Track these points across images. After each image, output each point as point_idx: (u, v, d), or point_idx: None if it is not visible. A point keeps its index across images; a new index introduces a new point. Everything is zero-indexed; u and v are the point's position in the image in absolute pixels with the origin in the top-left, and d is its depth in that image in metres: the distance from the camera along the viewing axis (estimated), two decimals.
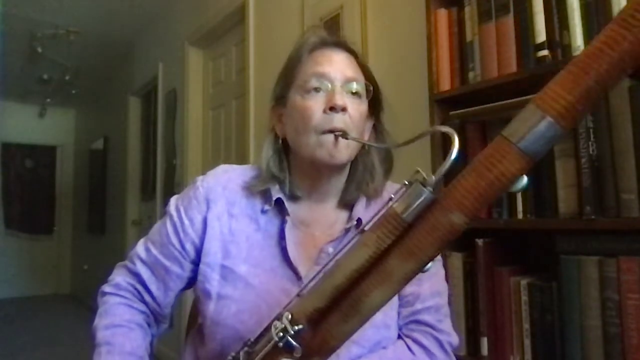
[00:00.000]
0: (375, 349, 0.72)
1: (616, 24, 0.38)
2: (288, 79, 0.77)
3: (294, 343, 0.52)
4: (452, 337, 0.77)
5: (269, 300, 0.71)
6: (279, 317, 0.54)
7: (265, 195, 0.77)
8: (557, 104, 0.40)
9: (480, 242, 1.05)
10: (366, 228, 0.51)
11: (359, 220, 0.76)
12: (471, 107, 1.09)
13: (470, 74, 1.12)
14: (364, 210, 0.78)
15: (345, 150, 0.71)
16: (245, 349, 0.58)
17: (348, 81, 0.73)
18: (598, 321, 0.86)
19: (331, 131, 0.70)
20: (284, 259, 0.74)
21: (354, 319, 0.50)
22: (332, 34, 0.80)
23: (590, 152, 0.89)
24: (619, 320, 0.83)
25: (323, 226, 0.79)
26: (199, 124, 3.05)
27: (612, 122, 0.87)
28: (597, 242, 0.89)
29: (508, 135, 0.42)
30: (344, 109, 0.70)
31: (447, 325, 0.78)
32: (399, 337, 0.76)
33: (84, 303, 5.15)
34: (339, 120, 0.70)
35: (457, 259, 1.11)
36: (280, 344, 0.52)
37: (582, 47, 0.93)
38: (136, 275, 0.79)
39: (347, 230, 0.76)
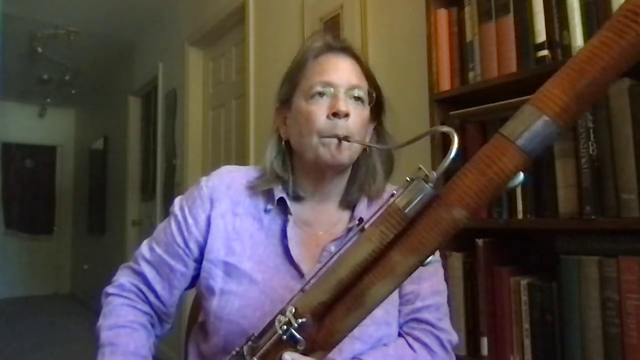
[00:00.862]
0: (376, 345, 0.73)
1: (608, 30, 0.40)
2: (293, 83, 0.78)
3: (298, 336, 0.53)
4: (452, 336, 0.79)
5: (273, 296, 0.72)
6: (283, 312, 0.55)
7: (269, 195, 0.79)
8: (553, 104, 0.42)
9: (480, 242, 1.05)
10: (368, 224, 0.53)
11: (361, 220, 0.77)
12: (471, 107, 1.09)
13: (470, 74, 1.13)
14: (366, 211, 0.80)
15: (347, 152, 0.73)
16: (249, 343, 0.59)
17: (352, 88, 0.75)
18: (598, 321, 0.86)
19: (334, 137, 0.72)
20: (287, 257, 0.75)
21: (357, 312, 0.51)
22: (337, 38, 0.81)
23: (590, 152, 0.89)
24: (619, 320, 0.83)
25: (325, 226, 0.80)
26: (199, 124, 3.05)
27: (612, 122, 0.87)
28: (597, 242, 0.89)
29: (507, 134, 0.44)
30: (346, 115, 0.72)
31: (446, 323, 0.79)
32: (400, 335, 0.77)
33: (84, 303, 5.15)
34: (341, 126, 0.72)
35: (457, 259, 1.11)
36: (284, 337, 0.53)
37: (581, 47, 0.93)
38: (140, 275, 0.80)
39: (349, 230, 0.78)
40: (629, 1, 0.40)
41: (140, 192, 4.03)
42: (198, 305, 0.98)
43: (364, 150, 0.79)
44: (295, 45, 2.06)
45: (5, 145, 5.89)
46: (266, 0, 2.31)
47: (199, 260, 0.78)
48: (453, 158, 0.48)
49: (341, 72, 0.75)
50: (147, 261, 0.80)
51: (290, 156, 0.80)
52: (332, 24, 1.80)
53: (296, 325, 0.53)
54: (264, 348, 0.56)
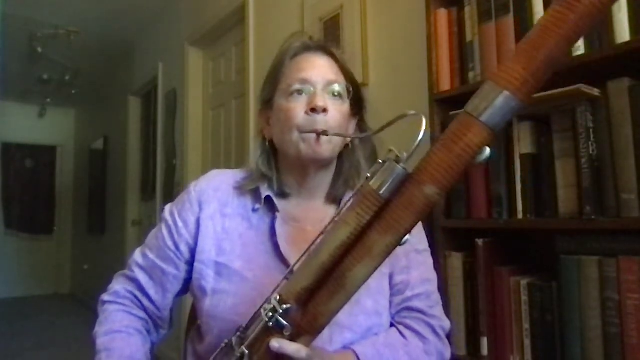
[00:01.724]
0: (367, 335, 0.74)
1: (559, 4, 0.43)
2: (273, 84, 0.81)
3: (284, 322, 0.54)
4: (444, 322, 0.80)
5: (264, 292, 0.73)
6: (268, 301, 0.56)
7: (256, 194, 0.81)
8: (513, 79, 0.44)
9: (480, 242, 1.05)
10: (345, 208, 0.54)
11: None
12: None
13: (470, 74, 1.13)
14: None
15: (327, 146, 0.75)
16: (238, 334, 0.60)
17: (329, 84, 0.77)
18: (598, 321, 0.86)
19: (313, 132, 0.74)
20: (276, 253, 0.77)
21: (340, 295, 0.52)
22: (313, 39, 0.84)
23: (590, 152, 0.89)
24: (619, 320, 0.83)
25: (313, 221, 0.81)
26: (199, 124, 3.05)
27: (612, 122, 0.87)
28: (597, 242, 0.89)
29: (471, 111, 0.46)
30: (324, 110, 0.74)
31: (438, 311, 0.80)
32: (392, 325, 0.78)
33: (84, 303, 5.15)
34: (320, 122, 0.74)
35: (457, 259, 1.11)
36: (270, 324, 0.54)
37: (582, 47, 0.93)
38: (134, 282, 0.81)
39: (334, 217, 0.78)
40: None
41: (140, 192, 4.03)
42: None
43: (347, 146, 0.82)
44: None
45: (5, 145, 5.89)
46: (266, 0, 2.31)
47: (190, 263, 0.80)
48: (422, 140, 0.51)
49: (318, 69, 0.77)
50: (141, 267, 0.81)
51: (275, 155, 0.83)
52: (332, 24, 1.80)
53: (281, 311, 0.54)
54: (252, 337, 0.57)
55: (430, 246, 0.87)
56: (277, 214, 0.79)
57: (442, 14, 1.20)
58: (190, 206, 0.81)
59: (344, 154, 0.82)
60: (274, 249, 0.77)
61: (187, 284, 0.82)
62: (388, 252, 0.51)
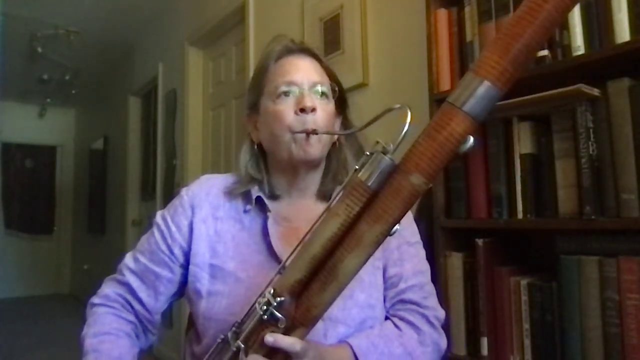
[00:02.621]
0: (360, 328, 0.75)
1: None
2: (258, 88, 0.82)
3: (278, 314, 0.55)
4: (439, 312, 0.81)
5: (258, 292, 0.74)
6: (262, 295, 0.57)
7: (246, 196, 0.82)
8: (492, 69, 0.46)
9: (480, 242, 1.05)
10: (335, 201, 0.55)
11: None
12: None
13: None
14: None
15: (317, 145, 0.76)
16: (233, 329, 0.61)
17: (315, 85, 0.78)
18: (598, 321, 0.86)
19: (304, 132, 0.75)
20: (270, 253, 0.78)
21: (332, 286, 0.53)
22: (294, 41, 0.85)
23: (590, 152, 0.89)
24: (619, 320, 0.83)
25: (305, 220, 0.81)
26: (199, 124, 3.05)
27: (612, 122, 0.87)
28: (597, 242, 0.89)
29: (453, 101, 0.48)
30: (313, 110, 0.75)
31: (432, 301, 0.81)
32: (387, 318, 0.79)
33: (84, 303, 5.11)
34: (309, 121, 0.75)
35: (457, 259, 1.11)
36: (265, 317, 0.55)
37: (582, 47, 0.93)
38: (125, 285, 0.82)
39: (324, 211, 0.79)
40: None
41: (140, 192, 4.03)
42: None
43: (334, 144, 0.83)
44: None
45: (5, 145, 5.89)
46: (266, 0, 2.31)
47: (185, 266, 0.80)
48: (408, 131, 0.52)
49: (302, 71, 0.79)
50: (132, 271, 0.82)
51: (264, 158, 0.83)
52: (332, 24, 1.80)
53: (275, 304, 0.54)
54: (247, 330, 0.58)
55: (430, 246, 0.87)
56: (269, 214, 0.79)
57: (442, 14, 1.20)
58: (182, 210, 0.81)
59: (332, 152, 0.83)
60: (267, 249, 0.78)
61: (182, 287, 0.82)
62: (378, 242, 0.52)
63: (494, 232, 1.07)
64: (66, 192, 6.24)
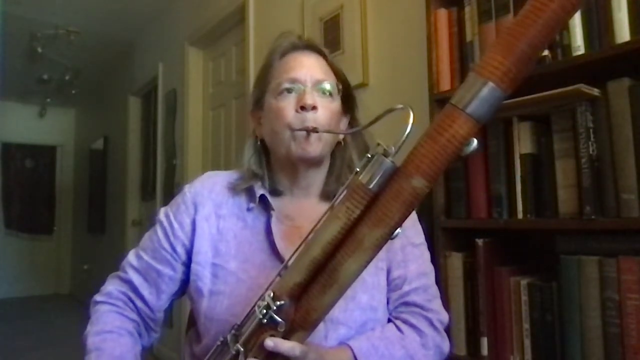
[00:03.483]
0: (361, 330, 0.74)
1: None
2: (263, 84, 0.82)
3: (278, 318, 0.54)
4: (442, 315, 0.80)
5: (260, 293, 0.73)
6: (262, 298, 0.56)
7: (250, 194, 0.81)
8: (496, 69, 0.44)
9: (480, 242, 1.05)
10: (336, 203, 0.54)
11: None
12: None
13: None
14: None
15: (316, 144, 0.75)
16: (233, 331, 0.60)
17: (318, 82, 0.78)
18: (598, 321, 0.86)
19: (303, 129, 0.74)
20: (272, 251, 0.77)
21: (333, 289, 0.53)
22: (301, 38, 0.84)
23: (590, 152, 0.89)
24: (619, 320, 0.83)
25: (308, 219, 0.81)
26: (199, 124, 3.05)
27: (612, 122, 0.87)
28: (597, 242, 0.89)
29: (455, 102, 0.47)
30: (314, 108, 0.75)
31: (436, 304, 0.80)
32: (389, 321, 0.78)
33: (84, 303, 5.13)
34: (310, 119, 0.74)
35: (457, 259, 1.11)
36: (265, 321, 0.55)
37: (582, 47, 0.93)
38: (128, 283, 0.81)
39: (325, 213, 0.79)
40: None
41: (140, 192, 4.02)
42: None
43: (339, 143, 0.82)
44: None
45: (5, 145, 5.89)
46: (266, 0, 2.31)
47: (187, 264, 0.80)
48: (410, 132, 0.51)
49: (306, 68, 0.78)
50: (135, 268, 0.81)
51: (266, 154, 0.83)
52: (332, 24, 1.80)
53: (274, 307, 0.54)
54: (247, 333, 0.57)
55: (430, 246, 0.87)
56: (272, 213, 0.79)
57: (442, 14, 1.20)
58: (185, 208, 0.81)
59: (336, 151, 0.83)
60: (270, 248, 0.77)
61: (184, 286, 0.82)
62: (379, 246, 0.51)
63: (494, 232, 1.07)
64: (66, 192, 6.24)
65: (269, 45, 0.85)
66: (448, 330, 0.81)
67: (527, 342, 0.97)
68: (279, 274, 0.59)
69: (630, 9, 0.87)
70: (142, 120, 4.12)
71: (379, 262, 0.79)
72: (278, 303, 0.54)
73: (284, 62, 0.80)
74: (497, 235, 1.07)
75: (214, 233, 0.79)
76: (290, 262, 0.58)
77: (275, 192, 0.82)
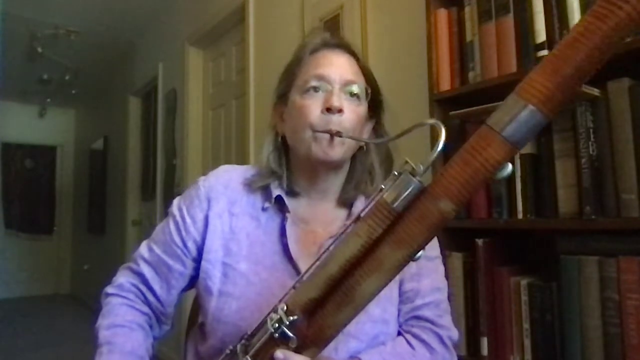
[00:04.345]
0: (373, 343, 0.73)
1: (591, 15, 0.40)
2: (289, 79, 0.79)
3: (290, 333, 0.53)
4: (452, 332, 0.78)
5: (270, 297, 0.72)
6: (274, 310, 0.55)
7: (266, 192, 0.79)
8: (538, 92, 0.42)
9: (480, 242, 1.05)
10: (359, 219, 0.52)
11: (359, 217, 0.76)
12: (471, 107, 1.09)
13: (470, 74, 1.12)
14: None
15: (339, 148, 0.73)
16: (243, 341, 0.59)
17: (347, 84, 0.75)
18: (598, 321, 0.86)
19: (327, 132, 0.72)
20: (285, 254, 0.75)
21: (348, 308, 0.51)
22: (335, 35, 0.82)
23: (590, 152, 0.89)
24: (619, 320, 0.83)
25: (323, 223, 0.80)
26: (199, 124, 3.05)
27: (612, 122, 0.87)
28: (597, 242, 0.89)
29: (492, 124, 0.44)
30: (340, 111, 0.72)
31: (447, 320, 0.79)
32: (399, 333, 0.77)
33: (84, 303, 5.15)
34: (334, 122, 0.72)
35: (457, 259, 1.11)
36: (276, 335, 0.53)
37: None
38: (139, 275, 0.80)
39: (347, 227, 0.77)
40: None
41: (140, 192, 4.03)
42: (197, 306, 0.98)
43: (361, 148, 0.79)
44: (295, 45, 2.06)
45: (5, 145, 5.89)
46: (266, 0, 2.31)
47: (198, 260, 0.78)
48: (442, 150, 0.48)
49: (336, 67, 0.75)
50: (146, 261, 0.80)
51: (286, 152, 0.81)
52: (332, 24, 1.80)
53: (287, 322, 0.52)
54: (257, 346, 0.56)
55: None
56: (288, 215, 0.77)
57: (442, 14, 1.20)
58: (198, 202, 0.79)
59: (357, 156, 0.80)
60: (283, 250, 0.75)
61: (193, 281, 0.81)
62: (400, 267, 0.49)
63: (494, 232, 1.07)
64: (66, 192, 6.24)
65: (303, 40, 0.82)
66: (455, 346, 0.79)
67: (527, 342, 0.97)
68: (294, 287, 0.57)
69: None
70: (142, 120, 4.12)
71: None
72: (291, 318, 0.52)
73: (314, 59, 0.77)
74: (497, 235, 1.07)
75: (226, 231, 0.77)
76: (305, 276, 0.56)
77: (292, 193, 0.79)
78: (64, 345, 3.70)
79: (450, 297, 0.82)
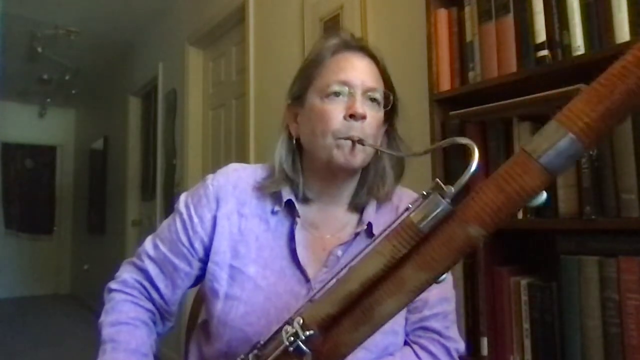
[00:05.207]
0: (382, 354, 0.72)
1: None
2: (307, 80, 0.77)
3: (305, 348, 0.52)
4: (459, 344, 0.78)
5: (277, 303, 0.72)
6: (289, 322, 0.54)
7: (276, 196, 0.77)
8: (580, 121, 0.40)
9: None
10: (380, 236, 0.51)
11: (370, 224, 0.76)
12: (471, 107, 1.09)
13: (470, 74, 1.12)
14: (375, 214, 0.78)
15: (360, 155, 0.72)
16: (255, 351, 0.58)
17: (369, 90, 0.74)
18: (598, 321, 0.86)
19: (349, 138, 0.70)
20: (293, 260, 0.74)
21: (365, 327, 0.50)
22: (354, 37, 0.79)
23: (591, 152, 0.89)
24: (619, 320, 0.83)
25: (333, 229, 0.79)
26: (199, 124, 3.05)
27: None
28: (597, 242, 0.89)
29: (530, 151, 0.42)
30: (363, 117, 0.71)
31: (454, 332, 0.78)
32: (406, 343, 0.76)
33: (84, 303, 5.15)
34: (357, 129, 0.71)
35: None
36: (291, 349, 0.52)
37: (582, 47, 0.93)
38: (144, 272, 0.79)
39: (356, 235, 0.76)
40: None
41: (140, 192, 4.03)
42: (199, 305, 0.98)
43: (376, 152, 0.78)
44: (295, 45, 2.06)
45: (5, 145, 5.89)
46: (266, 0, 2.31)
47: (204, 261, 0.77)
48: (474, 172, 0.46)
49: (358, 72, 0.74)
50: (151, 258, 0.78)
51: (300, 155, 0.79)
52: (332, 24, 1.80)
53: (303, 337, 0.51)
54: (270, 358, 0.55)
55: None
56: (297, 220, 0.76)
57: (442, 14, 1.20)
58: (207, 202, 0.77)
59: (371, 161, 0.78)
60: (291, 255, 0.74)
61: (198, 280, 0.80)
62: (421, 290, 0.48)
63: (494, 232, 1.07)
64: (66, 192, 6.24)
65: (320, 40, 0.80)
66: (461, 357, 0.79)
67: (527, 342, 0.97)
68: (310, 300, 0.56)
69: (630, 9, 0.87)
70: (142, 120, 4.12)
71: None
72: (307, 333, 0.52)
73: (335, 61, 0.75)
74: (497, 235, 1.07)
75: (234, 232, 0.76)
76: (323, 290, 0.55)
77: (303, 198, 0.78)
78: (64, 345, 3.70)
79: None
